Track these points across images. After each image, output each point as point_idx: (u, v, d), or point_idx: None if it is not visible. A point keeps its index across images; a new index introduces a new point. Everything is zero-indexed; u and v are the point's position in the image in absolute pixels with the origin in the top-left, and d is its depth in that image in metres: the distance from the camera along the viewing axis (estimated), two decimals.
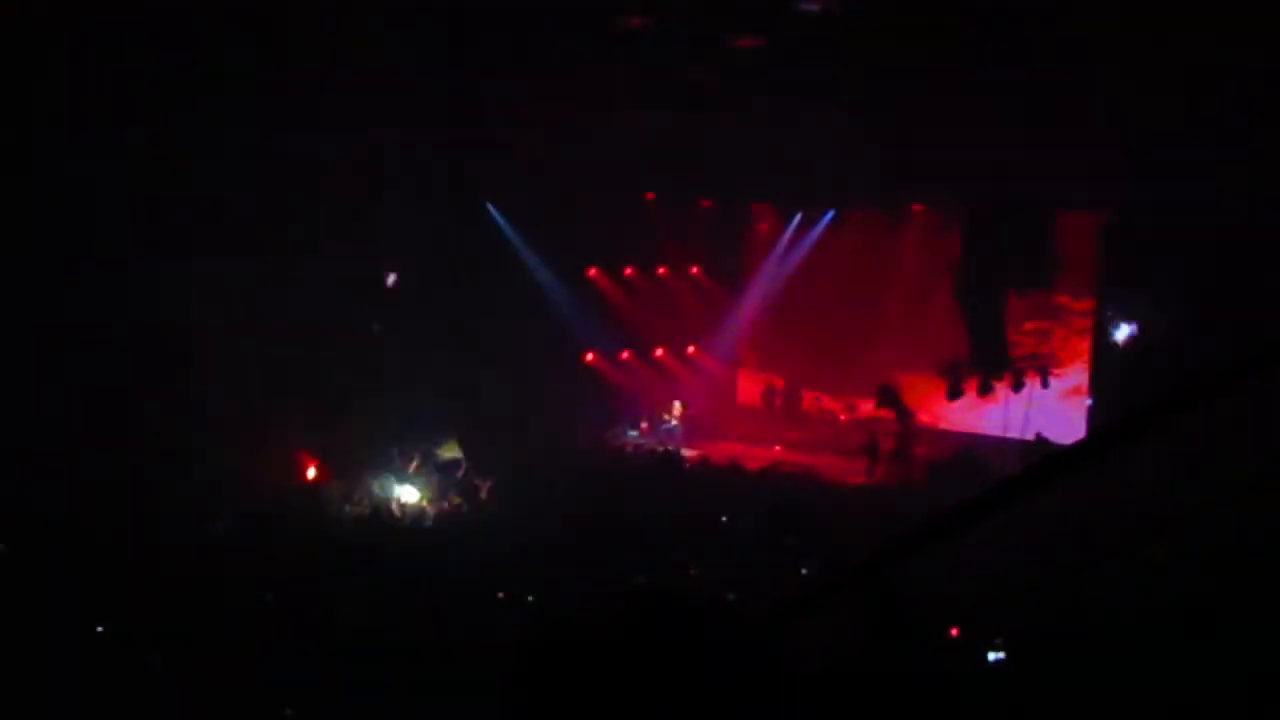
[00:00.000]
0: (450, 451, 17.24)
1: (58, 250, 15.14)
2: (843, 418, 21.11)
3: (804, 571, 11.05)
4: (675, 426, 20.73)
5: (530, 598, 9.61)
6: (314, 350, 17.80)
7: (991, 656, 6.16)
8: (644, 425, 20.88)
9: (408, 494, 15.28)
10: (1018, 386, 17.23)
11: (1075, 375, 17.89)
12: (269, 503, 13.14)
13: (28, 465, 12.80)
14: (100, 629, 8.51)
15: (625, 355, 21.28)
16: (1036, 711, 5.07)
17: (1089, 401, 17.87)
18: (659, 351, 21.73)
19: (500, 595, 9.69)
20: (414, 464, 16.18)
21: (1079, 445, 1.93)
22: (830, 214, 20.54)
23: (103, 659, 7.98)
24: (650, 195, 20.83)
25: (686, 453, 19.33)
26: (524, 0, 10.85)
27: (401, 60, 13.05)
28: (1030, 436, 17.70)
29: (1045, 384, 17.30)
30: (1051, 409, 17.98)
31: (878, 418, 19.55)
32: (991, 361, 17.16)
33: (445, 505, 15.00)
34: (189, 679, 7.62)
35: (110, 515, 11.47)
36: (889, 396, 18.53)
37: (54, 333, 15.07)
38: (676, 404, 20.91)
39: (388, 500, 14.94)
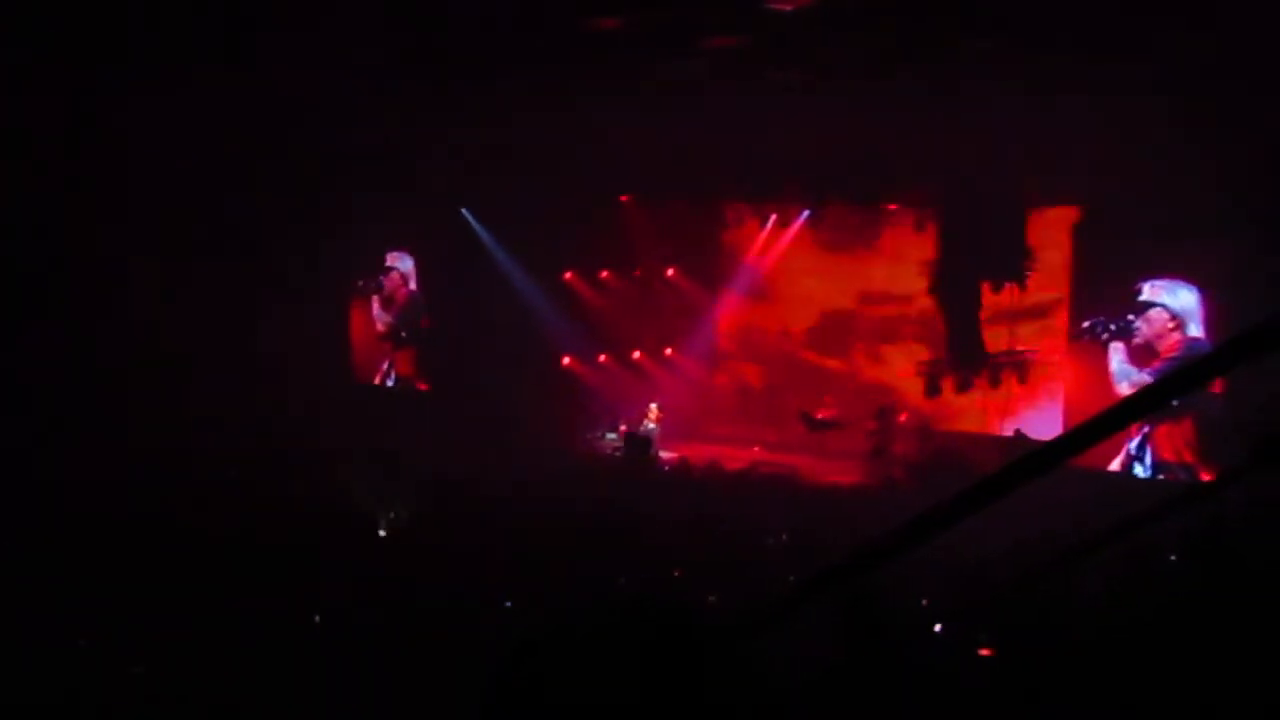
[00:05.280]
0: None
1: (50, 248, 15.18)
2: (820, 417, 21.11)
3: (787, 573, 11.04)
4: (653, 428, 20.72)
5: (508, 604, 9.56)
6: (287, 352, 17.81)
7: (976, 653, 6.16)
8: (622, 428, 20.87)
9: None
10: (995, 383, 17.29)
11: (1050, 370, 17.95)
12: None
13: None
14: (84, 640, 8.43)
15: (602, 358, 21.26)
16: (1023, 707, 5.08)
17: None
18: (636, 354, 21.72)
19: (481, 601, 9.63)
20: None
21: (1057, 440, 1.92)
22: (805, 214, 20.57)
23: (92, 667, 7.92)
24: (625, 198, 20.84)
25: (665, 454, 19.33)
26: (495, 4, 10.83)
27: (371, 64, 13.04)
28: (1009, 433, 17.77)
29: (1022, 380, 17.35)
30: (1029, 405, 18.07)
31: (857, 418, 19.62)
32: (968, 359, 17.20)
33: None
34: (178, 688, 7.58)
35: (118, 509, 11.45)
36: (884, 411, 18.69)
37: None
38: (653, 406, 20.90)
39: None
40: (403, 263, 21.21)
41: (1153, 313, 16.28)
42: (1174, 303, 16.15)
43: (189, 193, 16.20)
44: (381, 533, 12.71)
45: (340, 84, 13.88)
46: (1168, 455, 16.07)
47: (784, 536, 12.74)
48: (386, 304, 21.38)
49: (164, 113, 14.37)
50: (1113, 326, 16.47)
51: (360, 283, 21.26)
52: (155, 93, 13.64)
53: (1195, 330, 16.05)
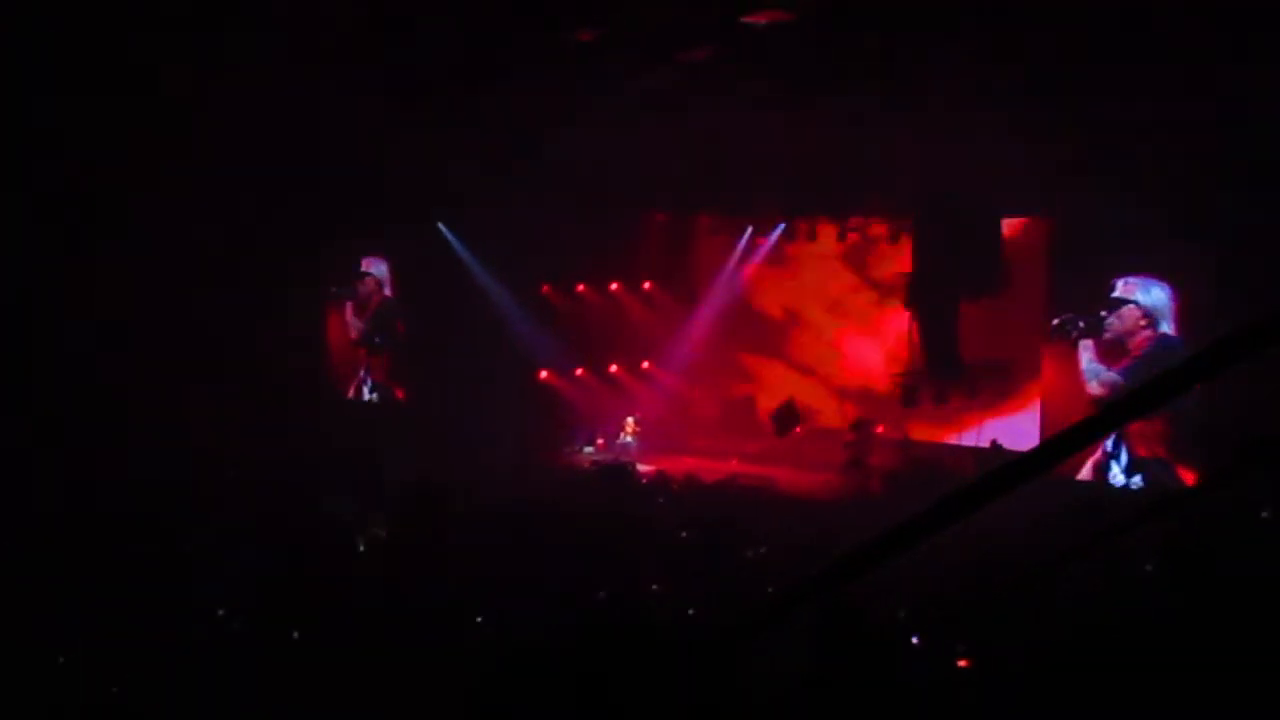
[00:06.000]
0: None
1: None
2: (798, 429, 21.13)
3: (765, 585, 11.03)
4: (631, 442, 20.71)
5: (479, 619, 9.49)
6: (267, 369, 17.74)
7: (955, 664, 6.15)
8: (600, 441, 20.87)
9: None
10: (972, 393, 17.32)
11: (1027, 380, 18.02)
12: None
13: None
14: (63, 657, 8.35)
15: (580, 372, 21.25)
16: (1002, 717, 5.08)
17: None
18: (613, 367, 21.72)
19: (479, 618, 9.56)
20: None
21: (1034, 451, 1.92)
22: (781, 226, 20.61)
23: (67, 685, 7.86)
24: (601, 210, 20.84)
25: (643, 468, 19.32)
26: (470, 16, 10.83)
27: (348, 81, 13.01)
28: (986, 443, 17.81)
29: (999, 390, 17.40)
30: (1006, 414, 18.10)
31: (834, 429, 19.64)
32: (945, 369, 17.23)
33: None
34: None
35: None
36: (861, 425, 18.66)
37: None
38: (630, 419, 20.89)
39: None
40: (377, 268, 21.12)
41: (1125, 310, 16.40)
42: (1146, 300, 16.28)
43: (163, 197, 16.10)
44: (360, 547, 12.66)
45: (320, 92, 13.86)
46: (1143, 452, 16.16)
47: (762, 549, 12.73)
48: (360, 309, 21.27)
49: (142, 116, 14.31)
50: (1081, 324, 16.58)
51: (334, 288, 21.13)
52: (134, 95, 13.59)
53: (1166, 327, 16.18)
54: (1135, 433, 16.12)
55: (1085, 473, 16.43)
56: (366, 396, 21.38)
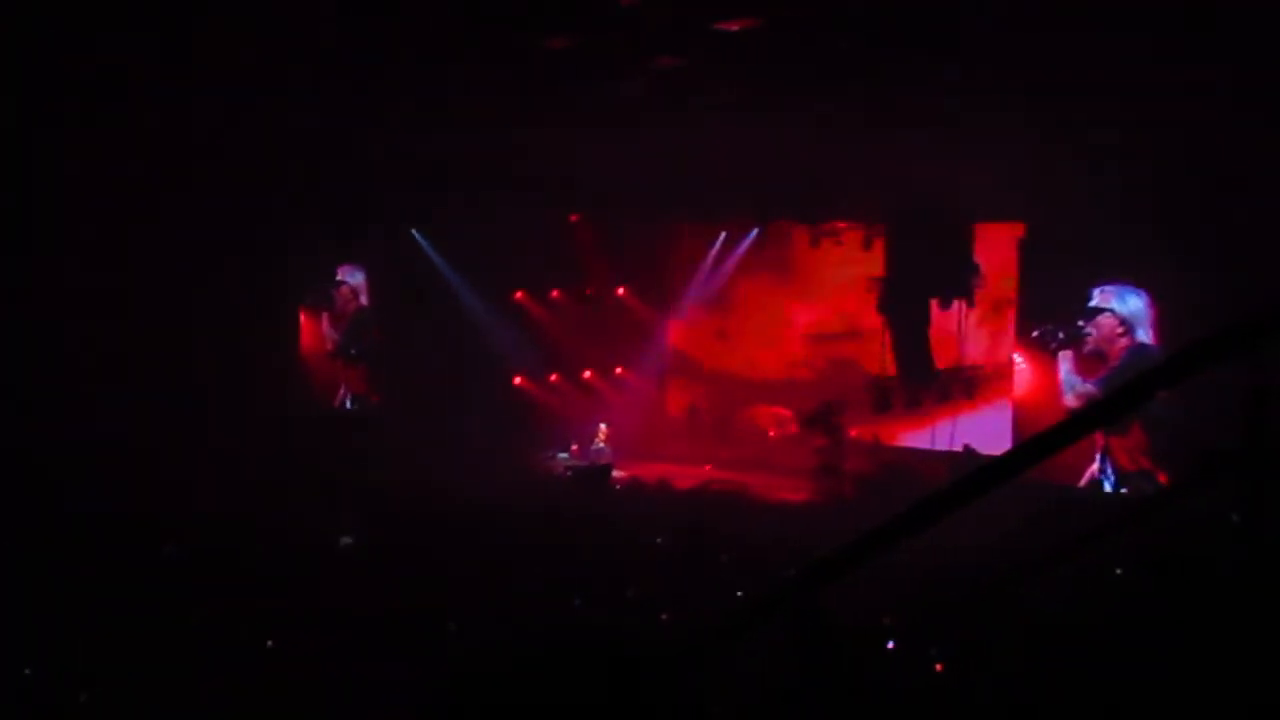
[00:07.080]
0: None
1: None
2: (772, 434, 21.16)
3: (738, 591, 11.04)
4: (604, 448, 20.70)
5: (451, 626, 9.47)
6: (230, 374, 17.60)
7: (931, 668, 6.17)
8: (574, 448, 20.83)
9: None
10: (944, 398, 17.37)
11: (999, 385, 18.08)
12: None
13: None
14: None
15: (554, 378, 21.24)
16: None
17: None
18: (587, 373, 21.71)
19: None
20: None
21: (1006, 455, 1.94)
22: (754, 232, 20.64)
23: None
24: (574, 216, 20.84)
25: (617, 473, 19.29)
26: (444, 20, 10.80)
27: (314, 85, 12.96)
28: (958, 448, 17.86)
29: (971, 395, 17.45)
30: (977, 420, 18.15)
31: (808, 435, 19.65)
32: (917, 374, 17.29)
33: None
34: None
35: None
36: (825, 415, 18.59)
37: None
38: (603, 426, 20.87)
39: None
40: (353, 277, 20.92)
41: (1101, 318, 16.41)
42: (1122, 308, 16.31)
43: (135, 205, 15.96)
44: (336, 554, 12.64)
45: (293, 99, 13.80)
46: (1125, 464, 16.18)
47: (734, 554, 12.74)
48: (336, 320, 21.03)
49: (113, 122, 14.19)
50: (1061, 335, 16.59)
51: (310, 299, 20.86)
52: (95, 96, 13.46)
53: (1144, 335, 16.22)
54: (1115, 445, 16.14)
55: (1083, 484, 16.44)
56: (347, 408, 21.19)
